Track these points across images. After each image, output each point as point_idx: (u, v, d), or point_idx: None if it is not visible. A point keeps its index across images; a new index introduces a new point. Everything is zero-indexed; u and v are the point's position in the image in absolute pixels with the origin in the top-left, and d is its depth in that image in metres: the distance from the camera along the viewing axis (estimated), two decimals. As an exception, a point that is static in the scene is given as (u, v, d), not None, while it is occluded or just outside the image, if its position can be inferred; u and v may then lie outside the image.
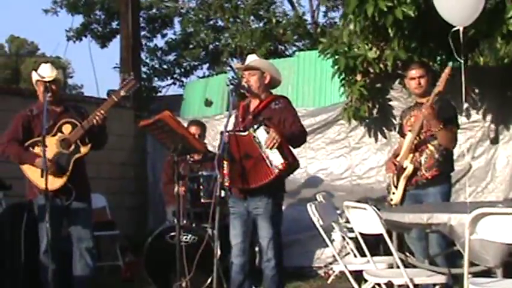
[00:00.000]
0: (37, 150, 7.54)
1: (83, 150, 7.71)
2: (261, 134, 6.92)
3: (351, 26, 9.37)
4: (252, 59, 7.43)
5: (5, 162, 7.93)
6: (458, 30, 7.20)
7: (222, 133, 7.03)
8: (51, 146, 7.52)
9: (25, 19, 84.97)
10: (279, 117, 7.20)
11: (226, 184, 7.07)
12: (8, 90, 12.90)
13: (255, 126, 6.97)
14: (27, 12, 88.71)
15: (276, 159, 6.90)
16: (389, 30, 8.87)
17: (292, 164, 7.05)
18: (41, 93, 7.76)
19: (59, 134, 7.65)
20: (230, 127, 7.15)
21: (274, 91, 7.56)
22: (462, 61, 7.26)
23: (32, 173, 7.60)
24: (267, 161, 6.89)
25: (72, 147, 7.67)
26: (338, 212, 7.89)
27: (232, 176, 7.03)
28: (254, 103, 7.34)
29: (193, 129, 9.30)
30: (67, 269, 7.83)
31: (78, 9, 21.22)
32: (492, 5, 8.20)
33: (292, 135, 7.14)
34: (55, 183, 7.45)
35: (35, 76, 7.86)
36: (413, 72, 7.59)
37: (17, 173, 7.77)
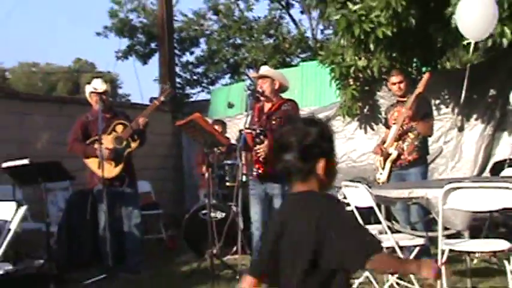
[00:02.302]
0: (97, 146, 7.64)
1: (133, 145, 7.86)
2: (258, 139, 7.02)
3: (342, 41, 9.36)
4: (264, 69, 7.49)
5: (69, 158, 8.03)
6: (470, 42, 7.24)
7: (241, 131, 7.12)
8: (108, 142, 7.65)
9: (85, 42, 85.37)
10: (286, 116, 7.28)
11: (244, 171, 7.14)
12: (71, 100, 13.00)
13: (259, 131, 7.04)
14: (88, 37, 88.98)
15: (256, 164, 7.06)
16: (371, 46, 8.88)
17: (265, 173, 7.11)
18: (95, 102, 7.86)
19: (113, 133, 7.75)
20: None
21: (283, 95, 7.60)
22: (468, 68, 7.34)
23: (94, 166, 7.73)
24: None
25: (124, 143, 7.78)
26: (337, 189, 7.88)
27: (248, 164, 7.11)
28: (267, 105, 7.37)
29: (216, 127, 9.34)
30: (120, 241, 7.91)
31: (124, 33, 21.35)
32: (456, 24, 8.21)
33: None
34: (112, 172, 7.61)
35: (88, 88, 7.97)
36: (394, 79, 7.65)
37: (79, 167, 7.87)
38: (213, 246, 7.52)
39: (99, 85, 7.94)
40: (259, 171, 7.06)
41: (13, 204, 5.98)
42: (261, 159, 7.00)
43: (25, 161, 7.70)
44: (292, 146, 2.93)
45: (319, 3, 9.71)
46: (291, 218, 2.97)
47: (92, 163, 7.79)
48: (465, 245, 5.21)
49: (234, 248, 8.34)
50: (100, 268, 7.69)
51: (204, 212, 8.75)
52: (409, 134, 7.50)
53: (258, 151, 6.98)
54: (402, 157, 7.49)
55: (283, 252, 2.96)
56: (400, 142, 7.51)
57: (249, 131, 7.08)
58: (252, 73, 7.20)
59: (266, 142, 6.97)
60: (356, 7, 8.67)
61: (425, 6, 8.53)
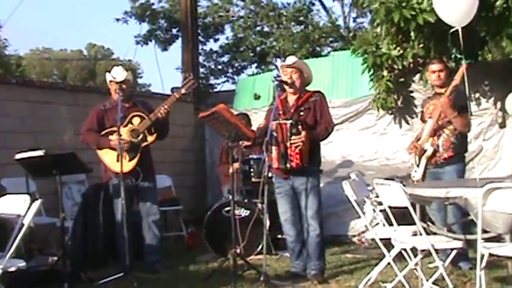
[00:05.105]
0: (112, 138, 7.66)
1: (150, 138, 7.83)
2: (295, 130, 6.99)
3: (378, 30, 9.35)
4: (293, 59, 7.45)
5: (86, 149, 8.06)
6: (457, 30, 7.20)
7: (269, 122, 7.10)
8: (123, 135, 7.63)
9: (101, 28, 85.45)
10: (315, 107, 7.31)
11: (275, 166, 7.11)
12: (88, 89, 13.07)
13: (293, 121, 7.03)
14: (103, 21, 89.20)
15: (291, 157, 7.01)
16: (412, 34, 8.85)
17: (301, 166, 7.09)
18: (114, 91, 7.87)
19: (130, 125, 7.76)
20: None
21: (313, 86, 7.59)
22: (463, 57, 7.32)
23: (107, 158, 7.76)
24: (288, 151, 7.04)
25: (141, 136, 7.78)
26: (369, 188, 7.86)
27: (278, 158, 7.09)
28: (292, 97, 7.39)
29: (240, 120, 9.32)
30: (138, 238, 7.93)
31: (144, 18, 21.44)
32: (500, 10, 8.13)
33: (318, 137, 7.30)
34: (126, 166, 7.60)
35: (108, 77, 7.97)
36: (434, 66, 7.66)
37: (96, 159, 7.90)
38: (237, 245, 7.51)
39: (119, 74, 7.92)
40: (292, 164, 7.03)
41: (27, 198, 5.99)
42: (297, 150, 6.98)
43: (39, 152, 7.74)
44: None
45: (354, -12, 9.67)
46: None
47: (105, 155, 7.80)
48: (506, 249, 5.16)
49: (259, 248, 8.34)
50: (116, 266, 7.72)
51: (227, 209, 8.77)
52: (445, 129, 7.47)
53: (295, 142, 6.97)
54: (437, 154, 7.48)
55: None
56: (436, 138, 7.49)
57: (282, 121, 7.09)
58: (281, 63, 7.14)
59: (304, 133, 6.97)
60: (395, -8, 8.67)
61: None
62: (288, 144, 7.01)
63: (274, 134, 7.05)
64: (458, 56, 9.48)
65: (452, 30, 7.33)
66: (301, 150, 6.99)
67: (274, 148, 7.06)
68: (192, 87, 8.06)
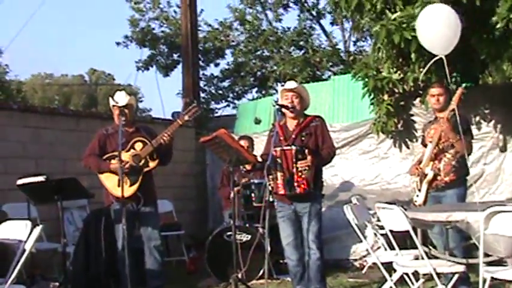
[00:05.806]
0: (113, 162, 7.67)
1: (151, 164, 7.81)
2: (300, 155, 7.00)
3: (380, 54, 9.37)
4: (293, 84, 7.46)
5: (88, 175, 8.05)
6: (441, 58, 7.21)
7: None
8: (125, 159, 7.62)
9: (103, 54, 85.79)
10: (316, 132, 7.32)
11: (281, 193, 7.10)
12: (90, 114, 13.08)
13: (298, 147, 7.04)
14: (105, 48, 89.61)
15: (297, 183, 7.00)
16: (413, 55, 8.87)
17: (308, 191, 7.08)
18: (116, 116, 7.87)
19: (132, 150, 7.75)
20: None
21: (313, 110, 7.60)
22: (450, 83, 7.34)
23: (109, 183, 7.73)
24: (294, 177, 7.01)
25: (142, 161, 7.76)
26: (370, 212, 7.86)
27: (284, 185, 7.08)
28: (292, 122, 7.39)
29: (242, 143, 9.29)
30: (140, 263, 7.91)
31: (145, 43, 21.50)
32: (501, 32, 8.16)
33: (323, 161, 7.34)
34: (127, 191, 7.56)
35: (111, 102, 7.97)
36: (434, 90, 7.64)
37: (97, 184, 7.89)
38: (238, 270, 7.50)
39: (121, 98, 7.92)
40: (300, 190, 7.02)
41: (28, 223, 6.00)
42: (303, 176, 6.99)
43: (41, 178, 7.74)
44: None
45: (355, 12, 9.66)
46: None
47: (106, 179, 7.79)
48: (508, 273, 5.16)
49: (261, 272, 8.33)
50: (118, 291, 7.71)
51: (228, 233, 8.76)
52: (446, 153, 7.46)
53: (301, 166, 6.97)
54: (438, 178, 7.45)
55: None
56: (436, 162, 7.47)
57: (287, 148, 7.09)
58: (282, 87, 7.11)
59: (309, 157, 6.98)
60: (395, 15, 8.68)
61: (470, 15, 8.44)
62: (294, 170, 7.02)
63: (279, 160, 7.04)
64: (458, 79, 9.52)
65: (436, 58, 7.34)
66: (306, 175, 7.01)
67: (279, 175, 7.06)
68: (196, 114, 8.04)
